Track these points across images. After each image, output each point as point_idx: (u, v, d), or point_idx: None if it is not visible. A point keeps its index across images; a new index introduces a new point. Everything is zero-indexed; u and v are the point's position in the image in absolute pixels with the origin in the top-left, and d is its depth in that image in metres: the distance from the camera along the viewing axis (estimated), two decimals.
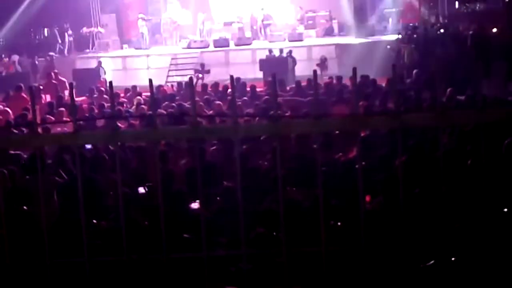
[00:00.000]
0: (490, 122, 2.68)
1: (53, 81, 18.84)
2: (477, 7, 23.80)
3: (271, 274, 4.81)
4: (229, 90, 16.41)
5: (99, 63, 22.61)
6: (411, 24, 23.89)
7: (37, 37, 25.81)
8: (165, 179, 7.54)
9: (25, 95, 15.73)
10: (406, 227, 2.76)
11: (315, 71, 2.92)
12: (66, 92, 17.68)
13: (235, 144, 3.05)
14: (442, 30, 21.42)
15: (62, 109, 13.98)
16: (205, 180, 3.01)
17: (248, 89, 16.26)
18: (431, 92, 13.18)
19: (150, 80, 3.03)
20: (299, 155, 8.75)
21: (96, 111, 14.00)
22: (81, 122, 10.64)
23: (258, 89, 16.51)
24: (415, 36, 21.07)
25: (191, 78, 2.91)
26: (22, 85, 16.55)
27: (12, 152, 8.92)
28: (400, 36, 21.84)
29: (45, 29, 26.03)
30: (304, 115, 11.23)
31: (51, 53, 24.32)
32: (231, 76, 3.06)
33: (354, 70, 2.87)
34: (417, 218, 5.18)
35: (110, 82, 3.08)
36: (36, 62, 23.60)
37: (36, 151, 3.02)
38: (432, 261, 4.91)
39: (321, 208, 2.80)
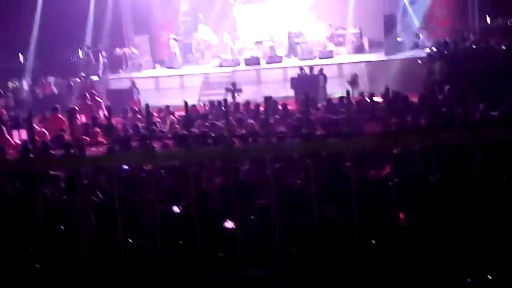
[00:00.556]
0: None
1: (88, 102, 19.13)
2: (508, 22, 23.61)
3: None
4: (261, 108, 16.50)
5: (133, 83, 22.89)
6: (442, 40, 23.80)
7: (72, 58, 26.22)
8: (199, 198, 7.60)
9: (61, 116, 16.00)
10: (441, 244, 2.76)
11: (348, 90, 2.96)
12: (101, 113, 17.95)
13: (268, 162, 3.10)
14: (473, 46, 21.28)
15: (97, 129, 14.18)
16: (239, 199, 3.06)
17: (280, 107, 16.31)
18: (463, 108, 13.09)
19: (186, 102, 3.10)
20: (332, 173, 8.77)
21: (130, 131, 14.17)
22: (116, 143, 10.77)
23: (289, 107, 16.57)
24: (446, 52, 20.96)
25: (225, 100, 2.96)
26: (58, 106, 16.85)
27: (51, 172, 9.07)
28: (431, 52, 21.74)
29: (80, 50, 26.44)
30: (336, 133, 11.24)
31: (85, 75, 24.68)
32: (265, 97, 3.12)
33: (387, 88, 2.90)
34: (451, 236, 5.15)
35: (147, 104, 3.16)
36: (71, 84, 23.95)
37: (73, 172, 3.11)
38: (469, 280, 4.87)
39: (356, 226, 2.82)
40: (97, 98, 19.68)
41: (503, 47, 19.14)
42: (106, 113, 18.13)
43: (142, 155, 3.04)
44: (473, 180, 6.71)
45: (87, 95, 19.75)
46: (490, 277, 4.31)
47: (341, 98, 16.72)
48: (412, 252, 5.15)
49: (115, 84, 24.72)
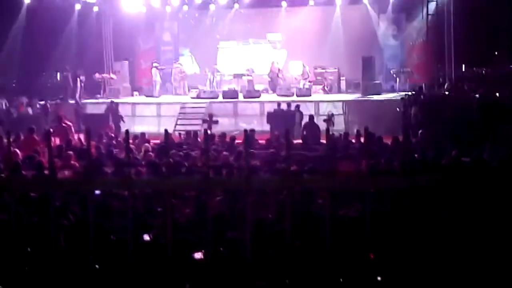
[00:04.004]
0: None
1: (63, 125, 19.03)
2: (482, 71, 24.11)
3: None
4: (237, 141, 16.59)
5: (111, 108, 22.86)
6: (417, 85, 24.21)
7: (49, 80, 26.17)
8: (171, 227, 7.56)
9: (36, 138, 15.89)
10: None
11: (328, 129, 3.04)
12: (75, 136, 17.86)
13: (242, 195, 3.15)
14: (447, 92, 21.65)
15: (70, 152, 14.08)
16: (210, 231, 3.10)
17: (263, 142, 16.55)
18: (435, 153, 13.27)
19: (166, 130, 3.14)
20: (304, 208, 8.80)
21: (104, 156, 14.09)
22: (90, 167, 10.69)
23: (261, 141, 16.79)
24: (421, 97, 21.28)
25: (206, 130, 3.02)
26: (34, 127, 16.75)
27: (20, 193, 8.97)
28: (406, 96, 22.06)
29: (58, 73, 26.39)
30: (310, 170, 11.30)
31: (62, 98, 24.60)
32: (245, 130, 3.17)
33: (366, 128, 2.98)
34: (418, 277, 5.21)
35: (127, 130, 3.19)
36: (48, 106, 23.85)
37: (48, 194, 3.12)
38: None
39: (330, 263, 2.87)
40: (67, 122, 19.55)
41: (477, 96, 19.49)
42: (75, 136, 18.08)
43: (119, 182, 3.07)
44: (442, 224, 6.81)
45: (63, 117, 19.66)
46: None
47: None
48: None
49: (91, 109, 24.68)
